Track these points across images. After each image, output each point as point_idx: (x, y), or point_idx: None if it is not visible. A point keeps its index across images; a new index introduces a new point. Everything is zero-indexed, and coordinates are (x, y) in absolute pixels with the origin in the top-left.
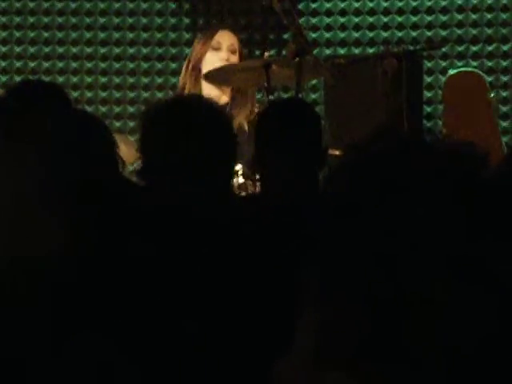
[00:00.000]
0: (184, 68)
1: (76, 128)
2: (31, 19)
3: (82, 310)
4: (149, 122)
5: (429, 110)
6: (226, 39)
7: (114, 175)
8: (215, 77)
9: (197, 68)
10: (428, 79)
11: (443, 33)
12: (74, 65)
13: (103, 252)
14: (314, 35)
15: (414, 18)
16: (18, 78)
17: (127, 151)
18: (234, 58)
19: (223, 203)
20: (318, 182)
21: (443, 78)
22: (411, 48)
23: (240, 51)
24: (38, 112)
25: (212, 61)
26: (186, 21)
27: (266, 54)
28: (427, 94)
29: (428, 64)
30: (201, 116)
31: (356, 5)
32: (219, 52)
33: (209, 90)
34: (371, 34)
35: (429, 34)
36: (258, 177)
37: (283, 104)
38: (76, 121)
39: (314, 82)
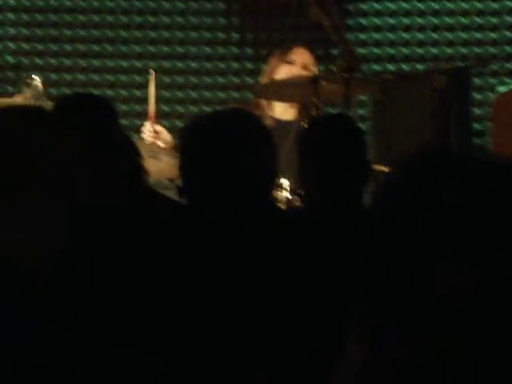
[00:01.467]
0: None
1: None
2: (82, 32)
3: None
4: (191, 136)
5: (478, 127)
6: (300, 57)
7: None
8: (263, 91)
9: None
10: (477, 96)
11: (492, 50)
12: (123, 79)
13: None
14: (362, 51)
15: (463, 35)
16: (67, 91)
17: (174, 164)
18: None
19: (260, 215)
20: (363, 197)
21: (492, 95)
22: (460, 65)
23: (314, 68)
24: (83, 123)
25: (284, 73)
26: (236, 36)
27: (315, 69)
28: (476, 112)
29: (477, 81)
30: (241, 128)
31: (406, 21)
32: (292, 67)
33: (279, 105)
34: (420, 51)
35: (478, 50)
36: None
37: (327, 119)
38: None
39: (362, 97)
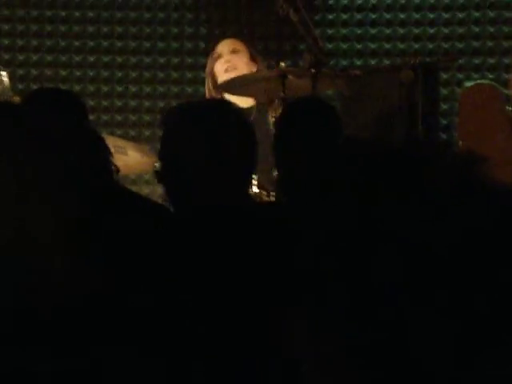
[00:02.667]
0: (206, 84)
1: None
2: (48, 27)
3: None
4: (171, 124)
5: (445, 122)
6: (225, 46)
7: (109, 182)
8: (230, 87)
9: (213, 81)
10: (444, 91)
11: (460, 45)
12: (91, 73)
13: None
14: (330, 46)
15: (430, 30)
16: (34, 86)
17: (141, 159)
18: (237, 57)
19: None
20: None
21: (459, 90)
22: (427, 60)
23: (248, 53)
24: (48, 118)
25: (218, 70)
26: (203, 31)
27: (282, 64)
28: (443, 106)
29: (444, 76)
30: (223, 119)
31: (373, 16)
32: (221, 58)
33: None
34: (388, 45)
35: (445, 45)
36: (271, 188)
37: (302, 103)
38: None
39: (329, 92)
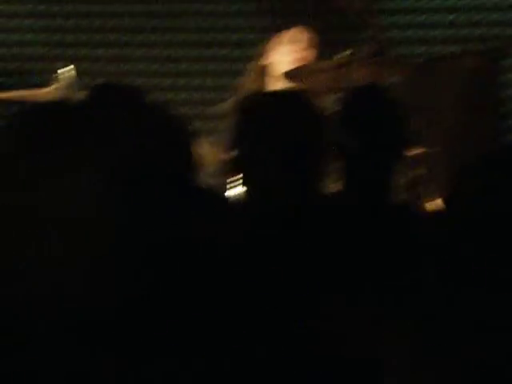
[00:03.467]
0: (249, 69)
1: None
2: (111, 22)
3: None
4: (245, 114)
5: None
6: (289, 36)
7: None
8: (295, 76)
9: (272, 71)
10: (510, 76)
11: None
12: (156, 66)
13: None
14: (392, 34)
15: (494, 15)
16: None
17: (211, 152)
18: (299, 49)
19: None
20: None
21: None
22: (492, 45)
23: (312, 43)
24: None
25: (280, 60)
26: (264, 22)
27: (346, 53)
28: (508, 92)
29: (509, 61)
30: (296, 109)
31: (436, 2)
32: (283, 49)
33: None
34: (450, 32)
35: (510, 31)
36: None
37: (363, 91)
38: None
39: (393, 80)
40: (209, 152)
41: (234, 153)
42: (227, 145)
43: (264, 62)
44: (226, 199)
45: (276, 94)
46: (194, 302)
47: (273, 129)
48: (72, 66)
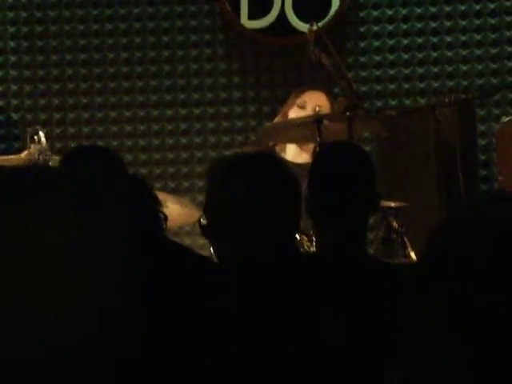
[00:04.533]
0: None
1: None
2: (84, 85)
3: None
4: (216, 178)
5: (484, 157)
6: (312, 99)
7: (160, 234)
8: (267, 133)
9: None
10: (481, 127)
11: (494, 80)
12: (128, 128)
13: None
14: (364, 88)
15: (464, 67)
16: (72, 144)
17: (182, 211)
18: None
19: (287, 258)
20: (367, 228)
21: (496, 126)
22: (463, 96)
23: (330, 108)
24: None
25: (294, 116)
26: (237, 79)
27: (316, 107)
28: (481, 142)
29: (481, 112)
30: (265, 170)
31: (405, 56)
32: (302, 111)
33: (291, 147)
34: (422, 85)
35: (480, 82)
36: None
37: (335, 147)
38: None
39: (366, 134)
40: (184, 211)
41: (209, 216)
42: (203, 208)
43: (281, 118)
44: (200, 260)
45: (246, 156)
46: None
47: (244, 191)
48: (41, 132)
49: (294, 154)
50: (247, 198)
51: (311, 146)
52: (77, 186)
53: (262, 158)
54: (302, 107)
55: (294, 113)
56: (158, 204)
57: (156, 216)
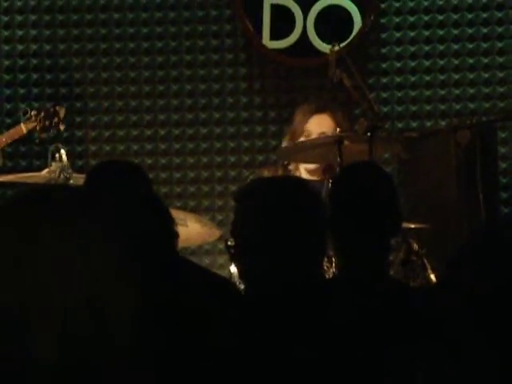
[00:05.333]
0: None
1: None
2: (105, 103)
3: None
4: (247, 202)
5: (504, 180)
6: (316, 127)
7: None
8: (288, 154)
9: None
10: (502, 150)
11: None
12: (149, 147)
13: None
14: (385, 109)
15: (485, 89)
16: (93, 162)
17: (201, 230)
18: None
19: (314, 286)
20: (389, 250)
21: None
22: (484, 119)
23: (335, 127)
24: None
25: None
26: (258, 100)
27: (338, 129)
28: (502, 165)
29: (502, 134)
30: (295, 196)
31: (427, 78)
32: (309, 137)
33: (305, 165)
34: (443, 107)
35: (501, 104)
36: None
37: (356, 168)
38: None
39: (386, 155)
40: (203, 230)
41: (236, 239)
42: (231, 230)
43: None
44: (214, 279)
45: (275, 181)
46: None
47: (270, 214)
48: (63, 149)
49: (308, 172)
50: (276, 224)
51: (323, 165)
52: (98, 211)
53: (291, 183)
54: (308, 136)
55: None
56: (172, 222)
57: (171, 233)
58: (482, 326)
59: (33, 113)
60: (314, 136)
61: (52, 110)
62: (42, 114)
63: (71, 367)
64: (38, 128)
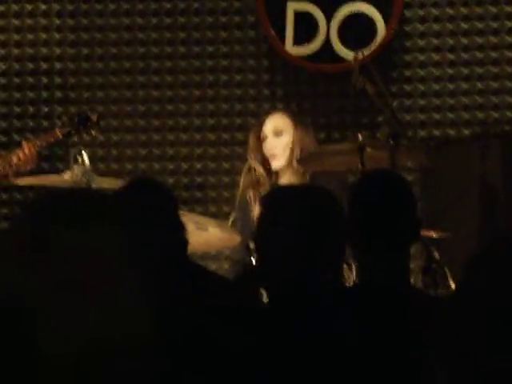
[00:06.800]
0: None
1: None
2: (127, 107)
3: None
4: (269, 208)
5: None
6: (268, 126)
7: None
8: (309, 161)
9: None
10: None
11: None
12: (171, 152)
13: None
14: (408, 117)
15: (509, 99)
16: (115, 165)
17: (222, 235)
18: (281, 141)
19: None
20: (409, 258)
21: None
22: (507, 128)
23: (293, 129)
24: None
25: (266, 152)
26: (280, 106)
27: (360, 136)
28: None
29: None
30: (318, 205)
31: (450, 86)
32: (265, 143)
33: (288, 178)
34: (466, 115)
35: None
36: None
37: (374, 176)
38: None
39: (408, 164)
40: (224, 236)
41: (258, 243)
42: (253, 234)
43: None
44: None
45: (300, 189)
46: None
47: (294, 222)
48: (85, 152)
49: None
50: (299, 232)
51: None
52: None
53: (313, 191)
54: (264, 138)
55: (265, 147)
56: (183, 230)
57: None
58: (495, 336)
59: (66, 118)
60: (268, 139)
61: (85, 115)
62: (76, 119)
63: (83, 366)
64: (72, 132)
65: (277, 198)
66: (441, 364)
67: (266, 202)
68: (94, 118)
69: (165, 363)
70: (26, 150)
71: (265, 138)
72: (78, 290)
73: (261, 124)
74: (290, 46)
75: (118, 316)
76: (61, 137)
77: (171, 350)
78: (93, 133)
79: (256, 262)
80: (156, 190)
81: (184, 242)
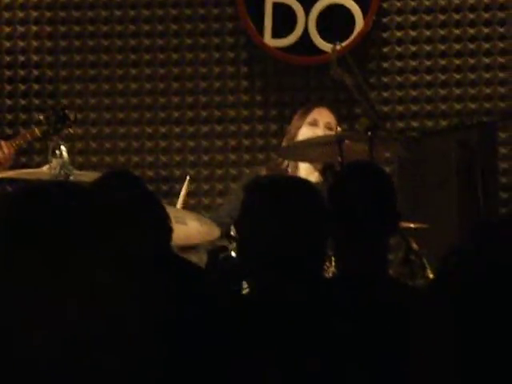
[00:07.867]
0: (283, 143)
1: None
2: (107, 100)
3: None
4: (250, 197)
5: (504, 180)
6: (323, 116)
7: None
8: (289, 152)
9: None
10: (503, 150)
11: None
12: (149, 144)
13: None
14: (386, 109)
15: (486, 90)
16: (93, 159)
17: (201, 229)
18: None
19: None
20: (388, 249)
21: None
22: (485, 119)
23: (336, 129)
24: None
25: (307, 135)
26: (259, 98)
27: (338, 128)
28: (502, 165)
29: (502, 135)
30: (299, 197)
31: (428, 78)
32: (315, 128)
33: (303, 166)
34: (444, 107)
35: (502, 104)
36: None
37: (354, 168)
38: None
39: (387, 155)
40: (203, 229)
41: (239, 231)
42: (235, 222)
43: (290, 137)
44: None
45: (278, 178)
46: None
47: (277, 211)
48: (63, 146)
49: (307, 173)
50: (277, 220)
51: (321, 164)
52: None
53: (294, 181)
54: (314, 124)
55: (305, 131)
56: (167, 218)
57: (167, 230)
58: (472, 326)
59: (43, 116)
60: (321, 124)
61: (62, 113)
62: (54, 117)
63: (76, 368)
64: (50, 132)
65: (260, 186)
66: (417, 353)
67: (249, 190)
68: (72, 116)
69: (153, 359)
70: (5, 150)
71: (314, 125)
72: (58, 289)
73: (305, 114)
74: (268, 38)
75: (102, 313)
76: (39, 135)
77: (158, 342)
78: (71, 130)
79: (236, 249)
80: (130, 183)
81: (169, 230)
